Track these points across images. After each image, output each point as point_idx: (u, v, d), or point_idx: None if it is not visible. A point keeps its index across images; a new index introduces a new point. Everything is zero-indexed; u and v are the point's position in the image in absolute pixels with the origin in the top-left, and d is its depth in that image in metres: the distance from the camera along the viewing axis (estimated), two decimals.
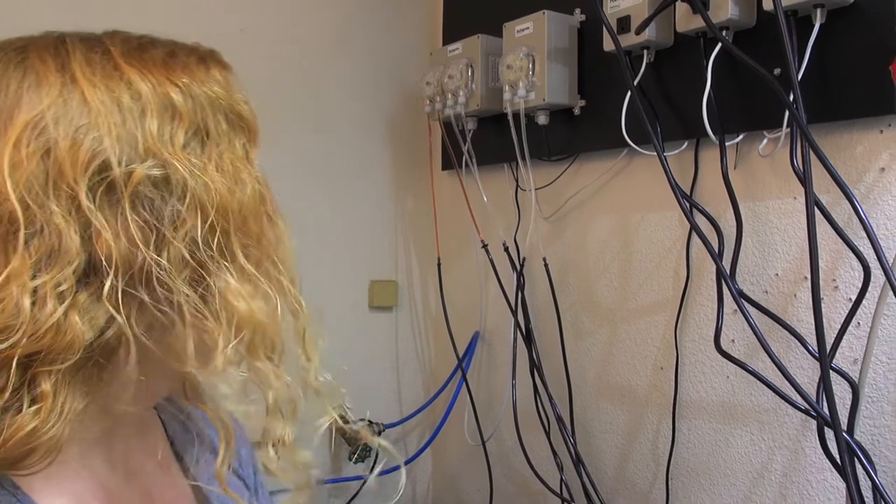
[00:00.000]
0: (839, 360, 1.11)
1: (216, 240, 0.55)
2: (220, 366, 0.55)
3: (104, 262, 0.52)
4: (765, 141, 1.17)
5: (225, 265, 0.56)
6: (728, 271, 1.18)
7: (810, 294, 1.03)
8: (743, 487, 1.26)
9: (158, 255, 0.53)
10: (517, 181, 1.60)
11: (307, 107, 1.70)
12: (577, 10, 1.44)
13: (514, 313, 1.54)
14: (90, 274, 0.53)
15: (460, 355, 1.70)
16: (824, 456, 1.08)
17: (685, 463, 1.34)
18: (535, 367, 1.51)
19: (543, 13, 1.41)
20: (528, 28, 1.44)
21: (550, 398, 1.50)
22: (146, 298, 0.54)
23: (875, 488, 1.01)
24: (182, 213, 0.54)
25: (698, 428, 1.31)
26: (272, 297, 0.58)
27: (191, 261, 0.54)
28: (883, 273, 1.00)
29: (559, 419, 1.47)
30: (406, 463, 1.78)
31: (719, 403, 1.28)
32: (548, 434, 1.51)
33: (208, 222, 0.55)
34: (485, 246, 1.62)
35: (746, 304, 1.16)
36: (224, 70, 0.62)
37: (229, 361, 0.56)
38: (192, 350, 0.55)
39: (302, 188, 1.67)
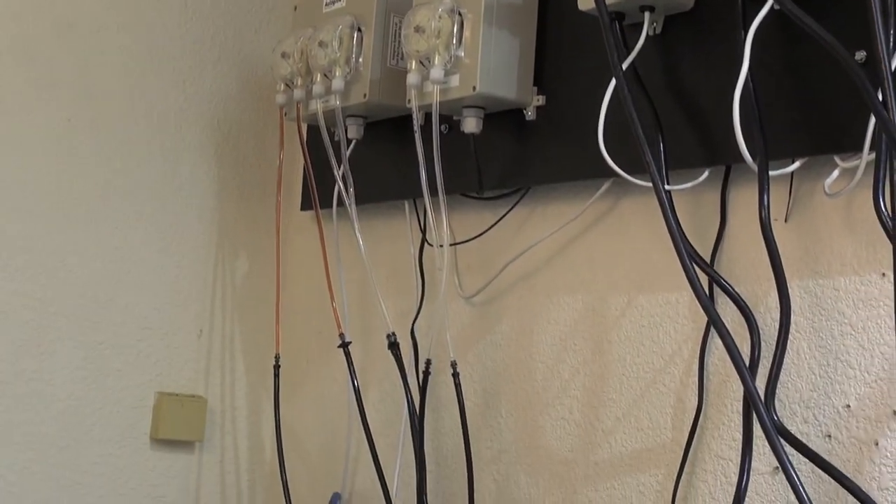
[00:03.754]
0: None
1: None
2: None
3: None
4: (835, 173, 1.18)
5: None
6: (763, 398, 1.16)
7: None
8: None
9: None
10: (423, 232, 1.59)
11: (70, 86, 1.69)
12: None
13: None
14: None
15: None
16: None
17: None
18: None
19: None
20: None
21: None
22: None
23: None
24: None
25: None
26: None
27: None
28: None
29: None
30: None
31: None
32: None
33: None
34: (345, 345, 1.59)
35: (794, 456, 1.14)
36: None
37: None
38: None
39: (43, 220, 1.66)
